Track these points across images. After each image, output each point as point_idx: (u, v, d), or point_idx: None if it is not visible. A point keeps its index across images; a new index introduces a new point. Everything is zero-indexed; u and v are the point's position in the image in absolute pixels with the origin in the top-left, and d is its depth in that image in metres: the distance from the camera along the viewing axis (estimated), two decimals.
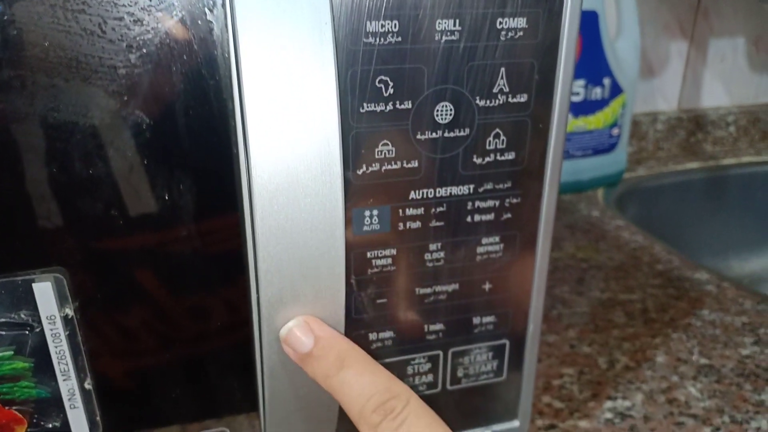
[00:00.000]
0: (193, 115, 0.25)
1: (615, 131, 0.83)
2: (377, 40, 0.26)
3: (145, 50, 0.24)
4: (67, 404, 0.28)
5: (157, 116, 0.24)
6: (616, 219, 0.78)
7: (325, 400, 0.29)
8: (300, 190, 0.24)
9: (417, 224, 0.30)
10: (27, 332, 0.26)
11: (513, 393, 0.37)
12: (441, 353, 0.34)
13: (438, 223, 0.31)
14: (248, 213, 0.25)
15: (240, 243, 0.27)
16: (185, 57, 0.24)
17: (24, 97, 0.23)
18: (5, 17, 0.22)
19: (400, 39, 0.26)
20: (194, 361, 0.30)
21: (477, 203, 0.31)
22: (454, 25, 0.27)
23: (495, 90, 0.29)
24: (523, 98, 0.29)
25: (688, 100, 1.02)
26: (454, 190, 0.30)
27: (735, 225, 0.97)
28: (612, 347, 0.52)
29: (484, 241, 0.32)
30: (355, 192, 0.28)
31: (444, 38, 0.27)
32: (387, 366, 0.33)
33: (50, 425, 0.29)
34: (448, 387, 0.35)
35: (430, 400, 0.35)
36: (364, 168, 0.28)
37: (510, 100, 0.29)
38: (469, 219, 0.31)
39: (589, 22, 0.76)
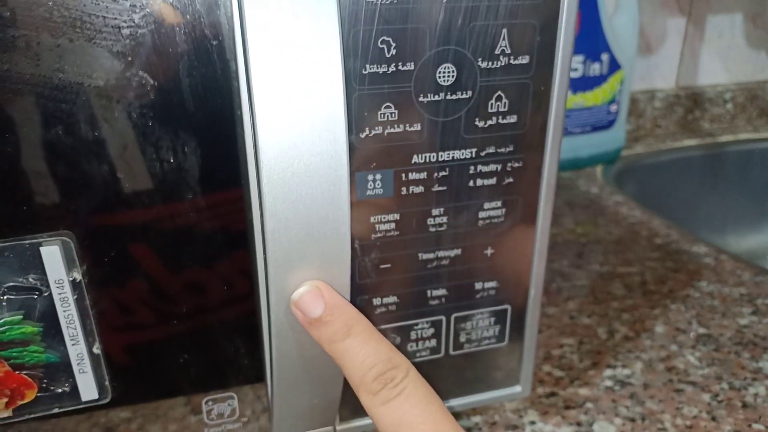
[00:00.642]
0: (197, 76, 0.25)
1: (613, 108, 0.83)
2: None
3: (148, 10, 0.24)
4: (76, 369, 0.28)
5: (160, 77, 0.24)
6: (615, 195, 0.78)
7: (332, 362, 0.29)
8: (305, 150, 0.25)
9: (420, 189, 0.31)
10: (36, 296, 0.27)
11: (515, 358, 0.37)
12: (444, 318, 0.34)
13: (440, 188, 0.31)
14: (254, 172, 0.25)
15: (244, 206, 0.27)
16: (188, 17, 0.24)
17: (29, 57, 0.23)
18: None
19: None
20: (201, 328, 0.30)
21: (479, 167, 0.31)
22: None
23: (497, 51, 0.29)
24: (524, 60, 0.29)
25: (686, 77, 1.02)
26: (457, 154, 0.30)
27: (732, 202, 0.98)
28: (611, 318, 0.53)
29: (486, 205, 0.32)
30: (358, 155, 0.29)
31: None
32: (391, 330, 0.33)
33: (60, 390, 0.29)
34: (451, 352, 0.35)
35: (434, 366, 0.36)
36: (367, 131, 0.28)
37: (512, 61, 0.29)
38: (471, 183, 0.31)
39: None
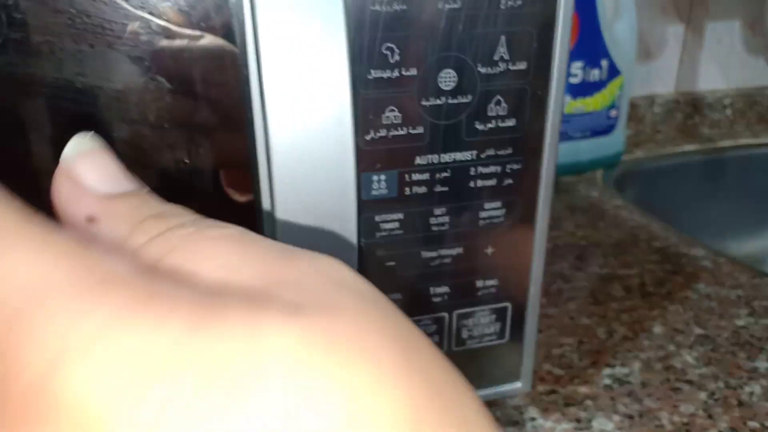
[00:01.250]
0: (210, 81, 0.26)
1: (613, 113, 0.84)
2: (383, 7, 0.27)
3: (165, 17, 0.25)
4: None
5: (176, 81, 0.26)
6: (615, 199, 0.79)
7: None
8: (315, 151, 0.26)
9: (423, 189, 0.32)
10: None
11: (515, 355, 0.38)
12: (446, 315, 0.35)
13: (443, 188, 0.32)
14: (266, 173, 0.26)
15: (254, 204, 0.29)
16: (203, 24, 0.25)
17: (52, 62, 0.24)
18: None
19: (405, 6, 0.28)
20: None
21: (480, 169, 0.32)
22: None
23: (496, 57, 0.30)
24: (522, 66, 0.31)
25: (685, 83, 1.03)
26: (458, 156, 0.32)
27: (732, 207, 0.99)
28: (610, 319, 0.54)
29: (487, 206, 0.33)
30: (364, 157, 0.30)
31: (447, 6, 0.28)
32: None
33: None
34: (454, 348, 0.36)
35: None
36: (372, 134, 0.30)
37: (510, 67, 0.30)
38: (472, 184, 0.32)
39: (587, 4, 0.77)
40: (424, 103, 0.30)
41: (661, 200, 0.91)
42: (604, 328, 0.52)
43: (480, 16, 0.29)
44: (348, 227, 0.27)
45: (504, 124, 0.32)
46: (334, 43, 0.25)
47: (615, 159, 0.88)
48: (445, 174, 0.32)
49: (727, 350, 0.50)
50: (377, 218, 0.32)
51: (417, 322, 0.34)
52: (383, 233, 0.32)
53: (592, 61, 0.80)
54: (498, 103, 0.31)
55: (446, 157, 0.31)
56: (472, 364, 0.38)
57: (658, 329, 0.52)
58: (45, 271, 0.13)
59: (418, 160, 0.31)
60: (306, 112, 0.25)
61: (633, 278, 0.61)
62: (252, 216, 0.29)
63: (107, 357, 0.12)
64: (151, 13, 0.25)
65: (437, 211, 0.33)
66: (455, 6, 0.28)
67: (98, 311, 0.12)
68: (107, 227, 0.16)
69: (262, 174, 0.27)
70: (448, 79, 0.30)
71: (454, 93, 0.30)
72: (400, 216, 0.32)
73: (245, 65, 0.26)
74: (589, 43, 0.78)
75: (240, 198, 0.29)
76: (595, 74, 0.80)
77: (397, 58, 0.28)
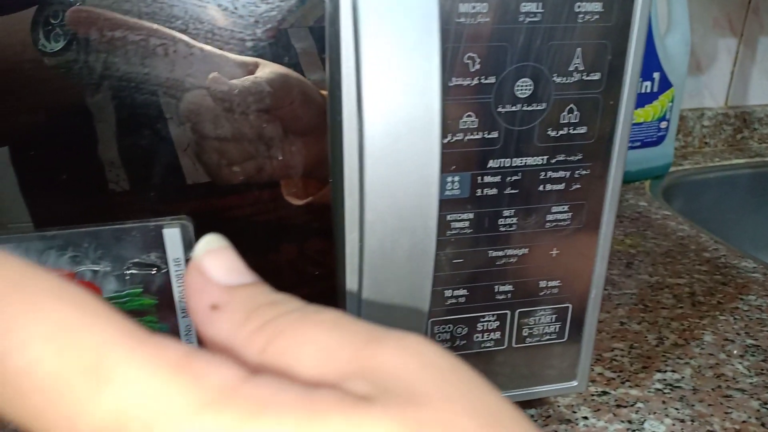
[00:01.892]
0: (306, 84, 0.28)
1: (663, 125, 0.84)
2: (468, 19, 0.29)
3: (270, 25, 0.27)
4: (183, 339, 0.32)
5: (276, 84, 0.28)
6: (663, 209, 0.79)
7: None
8: (403, 152, 0.28)
9: (493, 191, 0.33)
10: (154, 272, 0.30)
11: (572, 355, 0.40)
12: (509, 313, 0.37)
13: (512, 191, 0.34)
14: (357, 171, 0.28)
15: (336, 201, 0.31)
16: (302, 32, 0.27)
17: (166, 63, 0.27)
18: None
19: (488, 19, 0.29)
20: None
21: (549, 173, 0.34)
22: (537, 7, 0.30)
23: (571, 68, 0.32)
24: (596, 76, 0.32)
25: (736, 97, 1.02)
26: (529, 160, 0.33)
27: None
28: (661, 326, 0.55)
29: (554, 209, 0.35)
30: (441, 159, 0.31)
31: (527, 19, 0.30)
32: (459, 321, 0.36)
33: None
34: (514, 345, 0.38)
35: (497, 357, 0.38)
36: (450, 137, 0.31)
37: (584, 77, 0.32)
38: (541, 188, 0.34)
39: None
40: (500, 109, 0.31)
41: (708, 212, 0.90)
42: (655, 335, 0.53)
43: (558, 29, 0.30)
44: (429, 223, 0.29)
45: (575, 132, 0.33)
46: (428, 53, 0.27)
47: (663, 170, 0.88)
48: (515, 177, 0.33)
49: None
50: (449, 217, 0.33)
51: (480, 318, 0.36)
52: (453, 231, 0.34)
53: (644, 74, 0.80)
54: (571, 111, 0.33)
55: (518, 161, 0.33)
56: (531, 361, 0.39)
57: (708, 338, 0.53)
58: (160, 391, 0.14)
59: (491, 164, 0.33)
60: (398, 114, 0.27)
61: (683, 287, 0.61)
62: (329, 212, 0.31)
63: None
64: (257, 22, 0.27)
65: (506, 213, 0.34)
66: (535, 19, 0.30)
67: (215, 429, 0.14)
68: (227, 314, 0.18)
69: (348, 171, 0.29)
70: (524, 87, 0.31)
71: (529, 101, 0.32)
72: (471, 216, 0.34)
73: (338, 71, 0.28)
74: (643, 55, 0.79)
75: (322, 193, 0.31)
76: (647, 86, 0.81)
77: (477, 67, 0.30)
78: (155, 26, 0.26)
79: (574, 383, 0.40)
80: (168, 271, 0.30)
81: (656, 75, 0.81)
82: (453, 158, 0.32)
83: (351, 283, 0.32)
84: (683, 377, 0.48)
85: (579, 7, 0.31)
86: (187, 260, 0.30)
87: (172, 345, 0.15)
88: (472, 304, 0.36)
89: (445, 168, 0.32)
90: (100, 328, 0.14)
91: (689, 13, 0.84)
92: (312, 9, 0.28)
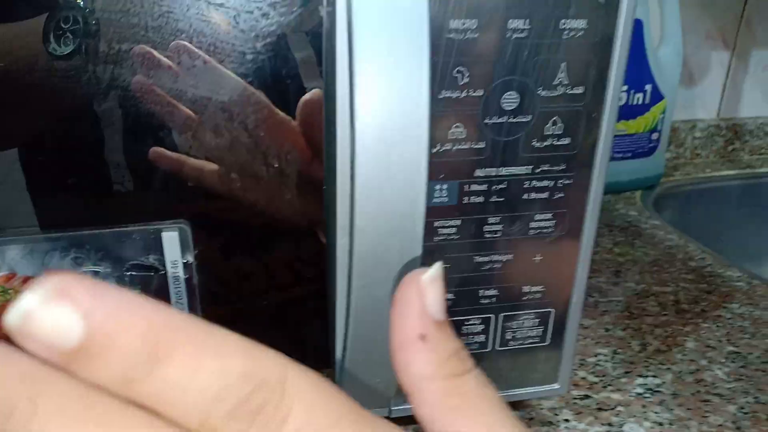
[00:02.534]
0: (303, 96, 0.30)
1: (654, 136, 0.86)
2: (458, 35, 0.31)
3: (269, 39, 0.29)
4: None
5: (275, 96, 0.29)
6: (653, 219, 0.81)
7: None
8: (393, 160, 0.29)
9: (480, 199, 0.35)
10: (153, 274, 0.32)
11: (555, 358, 0.41)
12: (493, 317, 0.38)
13: (498, 199, 0.35)
14: (348, 178, 0.29)
15: (329, 207, 0.32)
16: (301, 43, 0.29)
17: (170, 74, 0.28)
18: (163, 7, 0.27)
19: (477, 35, 0.31)
20: (281, 309, 0.35)
21: (533, 182, 0.35)
22: (524, 24, 0.31)
23: (555, 82, 0.33)
24: (579, 90, 0.34)
25: (728, 109, 1.04)
26: (515, 170, 0.35)
27: None
28: (645, 332, 0.56)
29: (538, 217, 0.36)
30: (429, 167, 0.33)
31: (514, 35, 0.31)
32: None
33: None
34: (497, 348, 0.39)
35: (480, 359, 0.40)
36: (439, 146, 0.33)
37: (568, 91, 0.33)
38: (525, 196, 0.35)
39: (635, 29, 0.79)
40: (486, 121, 0.33)
41: (698, 223, 0.92)
42: (638, 341, 0.55)
43: (543, 44, 0.32)
44: (416, 228, 0.30)
45: (559, 143, 0.35)
46: (418, 67, 0.28)
47: (654, 180, 0.90)
48: (501, 186, 0.35)
49: (757, 368, 0.52)
50: (436, 224, 0.35)
51: (465, 322, 0.38)
52: (440, 237, 0.35)
53: (636, 85, 0.82)
54: (555, 123, 0.34)
55: (503, 171, 0.34)
56: (514, 364, 0.40)
57: (690, 344, 0.55)
58: None
59: (478, 173, 0.34)
60: (388, 124, 0.29)
61: (668, 295, 0.63)
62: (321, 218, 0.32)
63: None
64: (257, 36, 0.28)
65: (491, 220, 0.36)
66: (522, 36, 0.31)
67: None
68: (429, 349, 0.19)
69: (341, 177, 0.31)
70: (510, 100, 0.33)
71: (515, 113, 0.33)
72: (458, 222, 0.35)
73: (334, 84, 0.30)
74: (634, 67, 0.81)
75: (316, 199, 0.33)
76: (639, 98, 0.82)
77: (466, 80, 0.32)
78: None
79: (556, 386, 0.42)
80: (165, 273, 0.32)
81: (648, 87, 0.83)
82: (441, 167, 0.33)
83: (341, 286, 0.33)
84: (664, 382, 0.49)
85: (564, 24, 0.32)
86: (185, 263, 0.32)
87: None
88: (458, 308, 0.38)
89: (434, 176, 0.33)
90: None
91: (682, 26, 0.86)
92: (310, 17, 0.30)
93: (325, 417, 0.16)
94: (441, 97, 0.32)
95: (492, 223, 0.36)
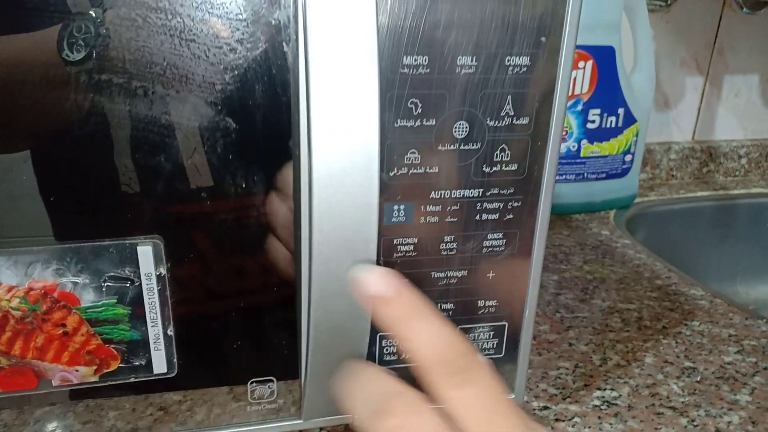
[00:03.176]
0: (269, 124, 0.33)
1: (628, 158, 0.89)
2: (411, 70, 0.34)
3: (236, 72, 0.31)
4: (152, 346, 0.36)
5: (242, 122, 0.32)
6: (624, 238, 0.84)
7: (358, 353, 0.36)
8: (347, 183, 0.32)
9: (435, 219, 0.38)
10: (128, 285, 0.34)
11: (510, 369, 0.44)
12: None
13: (452, 219, 0.38)
14: (307, 197, 0.32)
15: (296, 224, 0.35)
16: (266, 78, 0.32)
17: (145, 102, 0.31)
18: (139, 42, 0.30)
19: (428, 70, 0.34)
20: (251, 321, 0.37)
21: (485, 204, 0.38)
22: (472, 60, 0.34)
23: (502, 113, 0.36)
24: (525, 120, 0.36)
25: (702, 132, 1.08)
26: (467, 192, 0.37)
27: (743, 253, 1.02)
28: (606, 347, 0.59)
29: (490, 236, 0.39)
30: (387, 189, 0.36)
31: (463, 71, 0.34)
32: None
33: (137, 363, 0.36)
34: None
35: None
36: (395, 171, 0.36)
37: (515, 122, 0.36)
38: (477, 217, 0.38)
39: (606, 56, 0.83)
40: (440, 147, 0.36)
41: (672, 242, 0.95)
42: (600, 355, 0.57)
43: (490, 79, 0.35)
44: (369, 247, 0.33)
45: (507, 168, 0.37)
46: (369, 98, 0.31)
47: (628, 201, 0.93)
48: (455, 207, 0.38)
49: (711, 383, 0.55)
50: (395, 241, 0.37)
51: None
52: (400, 254, 0.38)
53: (609, 109, 0.85)
54: (503, 150, 0.37)
55: (456, 193, 0.37)
56: None
57: (649, 359, 0.57)
58: None
59: (433, 194, 0.37)
60: (343, 150, 0.32)
61: (632, 312, 0.65)
62: (289, 234, 0.35)
63: None
64: (225, 68, 0.31)
65: (447, 238, 0.38)
66: (470, 71, 0.34)
67: None
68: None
69: (303, 197, 0.34)
70: (461, 129, 0.36)
71: (465, 141, 0.36)
72: (415, 240, 0.38)
73: (297, 112, 0.33)
74: (607, 91, 0.84)
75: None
76: (611, 121, 0.86)
77: (419, 110, 0.35)
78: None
79: (512, 396, 0.44)
80: (140, 285, 0.34)
81: (621, 111, 0.86)
82: (398, 189, 0.36)
83: (304, 296, 0.36)
84: (620, 395, 0.52)
85: (509, 60, 0.35)
86: (158, 275, 0.34)
87: None
88: None
89: (392, 198, 0.36)
90: None
91: (657, 53, 0.89)
92: (274, 53, 0.32)
93: (497, 387, 0.27)
94: (397, 125, 0.35)
95: (447, 242, 0.38)
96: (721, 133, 1.09)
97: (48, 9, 0.29)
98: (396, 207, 0.37)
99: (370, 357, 0.40)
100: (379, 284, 0.28)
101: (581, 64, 0.82)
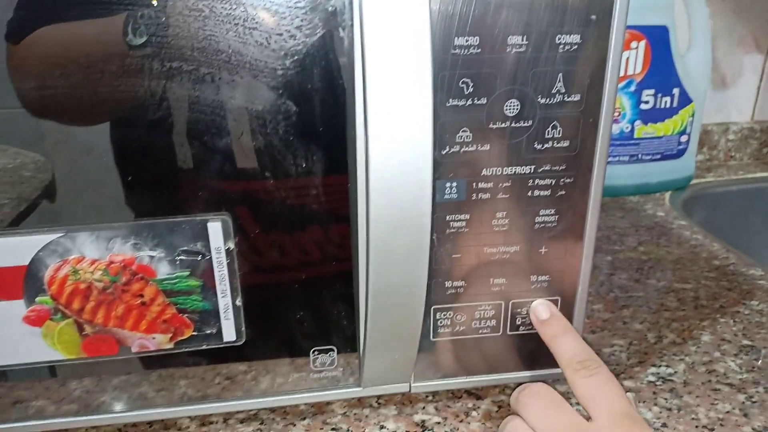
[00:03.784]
0: (326, 106, 0.34)
1: (683, 138, 0.88)
2: (462, 51, 0.35)
3: (296, 57, 0.33)
4: (222, 316, 0.38)
5: (302, 105, 0.34)
6: (680, 219, 0.83)
7: (411, 325, 0.38)
8: (402, 162, 0.33)
9: (487, 195, 0.39)
10: (199, 259, 0.37)
11: None
12: (503, 303, 0.42)
13: (504, 196, 0.39)
14: (363, 175, 0.34)
15: (348, 199, 0.37)
16: (323, 63, 0.34)
17: (213, 88, 0.33)
18: (207, 31, 0.32)
19: (479, 50, 0.35)
20: (313, 292, 0.39)
21: (537, 181, 0.39)
22: (522, 39, 0.35)
23: (554, 91, 0.37)
24: (576, 98, 0.37)
25: (763, 112, 1.05)
26: (518, 169, 0.38)
27: None
28: (661, 326, 0.59)
29: (542, 212, 0.40)
30: (440, 167, 0.37)
31: (514, 50, 0.35)
32: (458, 309, 0.42)
33: (209, 331, 0.39)
34: (508, 332, 0.43)
35: (493, 342, 0.43)
36: (448, 149, 0.37)
37: (566, 99, 0.37)
38: (529, 194, 0.39)
39: (660, 35, 0.82)
40: (491, 126, 0.37)
41: (730, 224, 0.93)
42: (655, 334, 0.57)
43: (541, 57, 0.36)
44: (423, 221, 0.35)
45: (559, 145, 0.38)
46: (422, 79, 0.33)
47: (684, 182, 0.91)
48: (506, 184, 0.39)
49: None
50: (448, 218, 0.39)
51: (477, 307, 0.41)
52: (453, 230, 0.39)
53: (663, 89, 0.84)
54: (554, 127, 0.38)
55: (508, 170, 0.38)
56: (523, 347, 0.44)
57: (706, 338, 0.57)
58: None
59: (485, 172, 0.38)
60: (397, 130, 0.33)
61: (688, 291, 0.65)
62: (346, 207, 0.37)
63: None
64: (286, 54, 0.33)
65: (499, 215, 0.40)
66: (521, 50, 0.35)
67: None
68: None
69: (359, 176, 0.35)
70: (512, 107, 0.37)
71: (517, 118, 0.37)
72: (467, 216, 0.39)
73: (353, 94, 0.34)
74: (661, 72, 0.83)
75: (339, 192, 0.37)
76: (666, 101, 0.85)
77: (470, 90, 0.36)
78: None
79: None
80: (210, 258, 0.37)
81: (676, 91, 0.85)
82: (451, 167, 0.38)
83: (362, 269, 0.37)
84: (676, 372, 0.52)
85: (560, 39, 0.36)
86: (227, 249, 0.36)
87: None
88: (470, 294, 0.42)
89: (444, 175, 0.38)
90: None
91: (714, 32, 0.87)
92: (331, 38, 0.34)
93: (610, 380, 0.38)
94: (449, 105, 0.36)
95: (499, 218, 0.40)
96: None
97: None
98: (449, 184, 0.38)
99: (425, 329, 0.41)
100: (541, 311, 0.42)
101: (634, 44, 0.81)
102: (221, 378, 0.42)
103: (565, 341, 0.40)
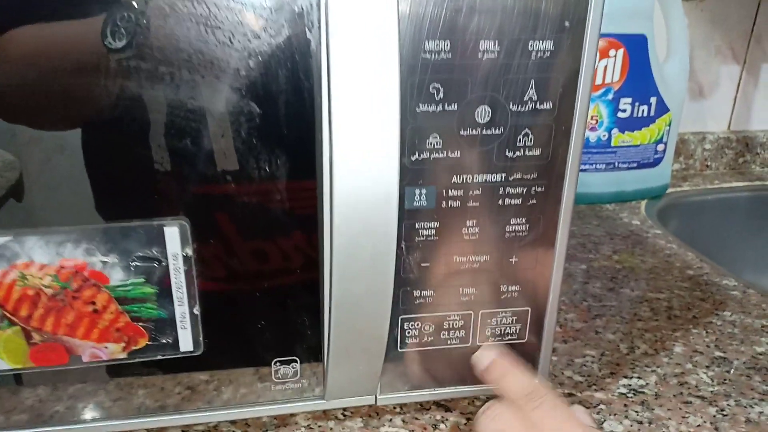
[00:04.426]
0: (291, 107, 0.33)
1: (660, 147, 0.88)
2: (432, 56, 0.34)
3: (260, 58, 0.32)
4: (179, 325, 0.37)
5: (265, 107, 0.33)
6: (655, 228, 0.83)
7: (376, 335, 0.37)
8: (368, 167, 0.32)
9: (457, 203, 0.38)
10: (155, 265, 0.35)
11: (532, 355, 0.44)
12: (472, 313, 0.41)
13: (474, 204, 0.38)
14: (328, 180, 0.33)
15: (315, 209, 0.35)
16: (289, 64, 0.32)
17: (172, 87, 0.32)
18: (166, 30, 0.31)
19: (450, 55, 0.34)
20: (275, 301, 0.38)
21: (508, 189, 0.38)
22: (494, 45, 0.34)
23: (526, 98, 0.36)
24: (548, 105, 0.36)
25: (738, 122, 1.05)
26: (489, 177, 0.37)
27: None
28: (634, 336, 0.58)
29: (513, 221, 0.39)
30: (409, 174, 0.36)
31: (486, 56, 0.34)
32: (428, 319, 0.41)
33: (165, 341, 0.37)
34: (477, 343, 0.42)
35: (462, 353, 0.42)
36: (417, 155, 0.36)
37: (538, 106, 0.36)
38: (500, 202, 0.38)
39: (638, 44, 0.81)
40: (462, 132, 0.36)
41: (704, 233, 0.93)
42: (627, 344, 0.57)
43: (513, 64, 0.35)
44: (390, 230, 0.34)
45: (530, 153, 0.37)
46: (389, 83, 0.31)
47: (660, 191, 0.91)
48: (477, 192, 0.38)
49: (742, 373, 0.54)
50: (417, 225, 0.38)
51: (446, 317, 0.40)
52: (422, 238, 0.38)
53: (641, 98, 0.84)
54: (526, 135, 0.37)
55: (478, 178, 0.37)
56: None
57: (678, 349, 0.56)
58: None
59: (455, 179, 0.37)
60: (363, 135, 0.32)
61: (662, 301, 0.64)
62: (313, 213, 0.35)
63: None
64: (249, 55, 0.32)
65: (469, 223, 0.39)
66: (492, 56, 0.34)
67: None
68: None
69: (326, 179, 0.34)
70: (483, 114, 0.36)
71: (488, 125, 0.36)
72: (437, 225, 0.38)
73: (319, 95, 0.33)
74: (639, 80, 0.83)
75: (304, 197, 0.36)
76: (643, 110, 0.84)
77: (441, 95, 0.35)
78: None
79: (535, 381, 0.44)
80: (167, 265, 0.35)
81: (653, 100, 0.85)
82: (420, 173, 0.37)
83: (326, 278, 0.36)
84: (647, 384, 0.52)
85: (532, 45, 0.35)
86: (184, 256, 0.35)
87: None
88: (439, 304, 0.40)
89: (413, 182, 0.36)
90: None
91: (692, 42, 0.87)
92: (297, 40, 0.33)
93: (557, 406, 0.38)
94: (419, 110, 0.35)
95: (469, 226, 0.39)
96: (758, 123, 1.06)
97: None
98: (418, 191, 0.37)
99: (393, 340, 0.40)
100: (481, 360, 0.43)
101: (612, 52, 0.81)
102: (182, 388, 0.41)
103: (507, 381, 0.41)
